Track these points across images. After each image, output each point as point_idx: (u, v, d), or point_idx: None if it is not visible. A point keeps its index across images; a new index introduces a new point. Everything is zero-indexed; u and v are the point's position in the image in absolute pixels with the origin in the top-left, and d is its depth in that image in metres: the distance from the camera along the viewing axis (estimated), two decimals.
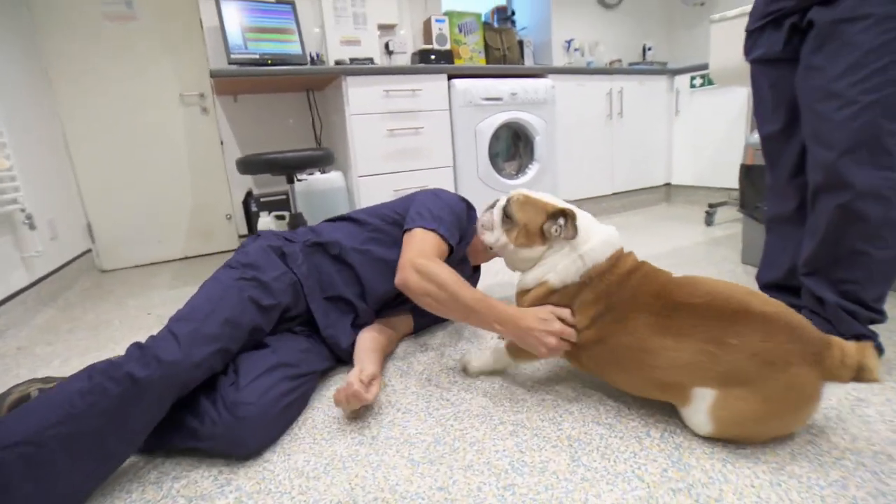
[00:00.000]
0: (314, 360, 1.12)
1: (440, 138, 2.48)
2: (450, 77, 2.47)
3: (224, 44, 2.30)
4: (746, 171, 1.86)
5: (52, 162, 2.48)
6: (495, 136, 2.59)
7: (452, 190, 2.59)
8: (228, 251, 3.05)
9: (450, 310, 1.03)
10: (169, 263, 2.92)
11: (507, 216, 1.03)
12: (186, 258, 3.01)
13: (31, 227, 2.02)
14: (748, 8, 1.73)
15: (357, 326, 1.25)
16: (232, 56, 2.30)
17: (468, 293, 1.00)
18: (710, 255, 2.12)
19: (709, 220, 2.71)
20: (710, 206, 2.71)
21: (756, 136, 1.82)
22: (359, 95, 2.27)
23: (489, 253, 1.39)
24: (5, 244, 1.92)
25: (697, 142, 3.21)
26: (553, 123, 2.73)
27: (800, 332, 0.75)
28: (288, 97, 2.70)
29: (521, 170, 2.77)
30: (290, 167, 1.86)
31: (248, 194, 2.58)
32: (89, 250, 2.81)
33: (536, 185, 2.73)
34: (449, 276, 1.02)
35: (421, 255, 1.08)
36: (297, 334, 1.15)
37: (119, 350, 1.25)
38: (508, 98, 2.54)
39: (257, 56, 2.36)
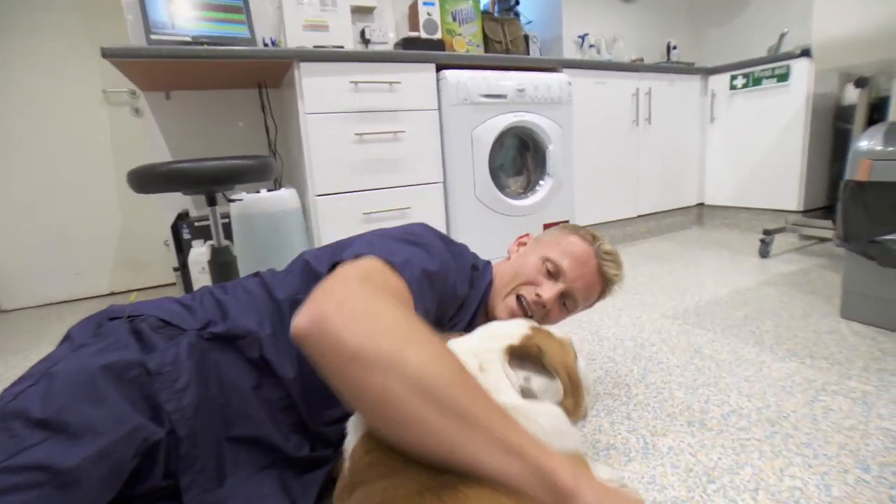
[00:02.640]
0: None
1: (426, 146, 1.93)
2: (439, 68, 1.93)
3: (143, 21, 1.76)
4: (856, 191, 1.30)
5: None
6: (498, 144, 2.04)
7: (442, 212, 2.03)
8: (167, 285, 2.47)
9: (402, 398, 0.43)
10: (89, 301, 2.34)
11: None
12: (113, 294, 2.43)
13: None
14: None
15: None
16: (153, 37, 1.76)
17: (455, 372, 0.46)
18: (789, 303, 1.55)
19: (764, 252, 2.15)
20: (766, 232, 2.15)
21: (870, 143, 1.27)
22: (317, 88, 1.72)
23: None
24: None
25: (737, 154, 2.66)
26: (570, 129, 2.18)
27: None
28: (236, 95, 2.15)
29: (529, 187, 2.21)
30: (201, 183, 1.30)
31: (181, 217, 2.01)
32: None
33: (550, 206, 2.18)
34: (408, 322, 0.49)
35: (352, 281, 0.55)
36: None
37: None
38: (514, 95, 2.00)
39: (189, 38, 1.82)
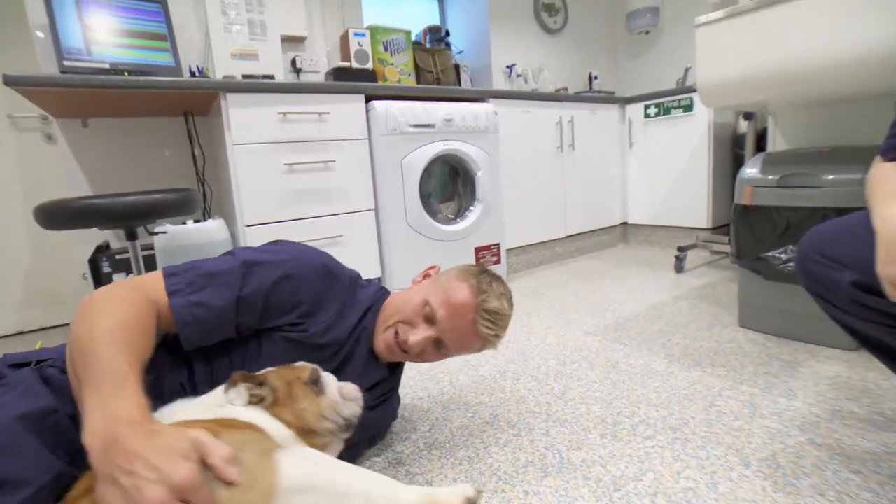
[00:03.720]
0: None
1: (357, 175, 1.96)
2: (368, 98, 1.97)
3: (55, 47, 1.68)
4: (743, 214, 1.46)
5: None
6: (428, 172, 2.10)
7: (375, 239, 2.05)
8: None
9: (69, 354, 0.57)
10: None
11: None
12: (23, 333, 2.24)
13: None
14: (741, 6, 1.39)
15: None
16: (66, 63, 1.68)
17: (107, 330, 0.56)
18: (697, 316, 1.70)
19: (679, 267, 2.34)
20: (680, 249, 2.34)
21: (751, 171, 1.43)
22: (245, 119, 1.71)
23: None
24: None
25: (654, 177, 2.89)
26: (497, 156, 2.28)
27: None
28: (161, 123, 2.09)
29: (460, 212, 2.29)
30: (119, 219, 1.25)
31: (100, 249, 1.91)
32: None
33: (480, 230, 2.26)
34: (105, 302, 0.61)
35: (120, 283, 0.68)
36: None
37: None
38: (442, 125, 2.07)
39: (107, 65, 1.76)
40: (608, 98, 2.96)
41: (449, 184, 2.33)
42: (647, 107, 2.84)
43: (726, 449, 0.92)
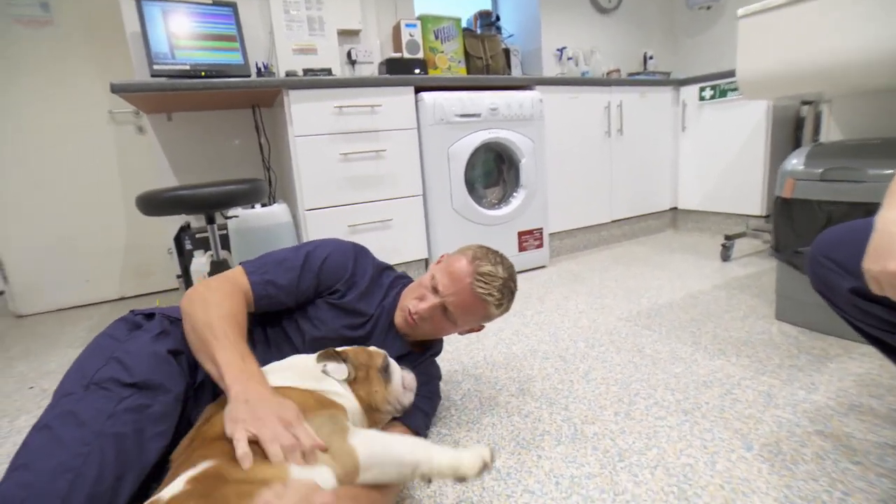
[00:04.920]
0: None
1: (406, 163, 2.09)
2: (417, 90, 2.09)
3: (146, 52, 1.92)
4: (783, 206, 1.46)
5: None
6: (474, 159, 2.20)
7: (422, 223, 2.19)
8: (171, 290, 2.65)
9: (193, 332, 0.79)
10: (100, 306, 2.51)
11: None
12: (123, 299, 2.60)
13: None
14: None
15: None
16: (155, 67, 1.92)
17: (218, 316, 0.78)
18: (733, 306, 1.71)
19: (725, 256, 2.31)
20: (728, 238, 2.31)
21: (794, 163, 1.42)
22: (305, 113, 1.88)
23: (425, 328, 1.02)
24: None
25: (707, 161, 2.81)
26: (542, 143, 2.34)
27: None
28: (232, 115, 2.32)
29: (504, 198, 2.37)
30: (201, 207, 1.47)
31: (183, 229, 2.18)
32: (1, 292, 2.41)
33: (524, 215, 2.34)
34: (208, 292, 0.83)
35: (213, 277, 0.90)
36: None
37: None
38: (488, 114, 2.16)
39: (188, 67, 1.98)
40: (659, 81, 2.90)
41: (494, 170, 2.42)
42: (702, 89, 2.75)
43: (732, 433, 0.99)
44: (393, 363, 0.90)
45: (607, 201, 2.77)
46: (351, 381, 0.81)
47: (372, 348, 0.91)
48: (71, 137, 2.39)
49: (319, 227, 1.97)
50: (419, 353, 1.09)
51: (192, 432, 0.70)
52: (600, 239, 2.85)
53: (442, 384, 1.29)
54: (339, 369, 0.81)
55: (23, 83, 2.28)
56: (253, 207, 1.94)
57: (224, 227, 1.99)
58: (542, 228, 2.41)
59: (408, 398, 0.90)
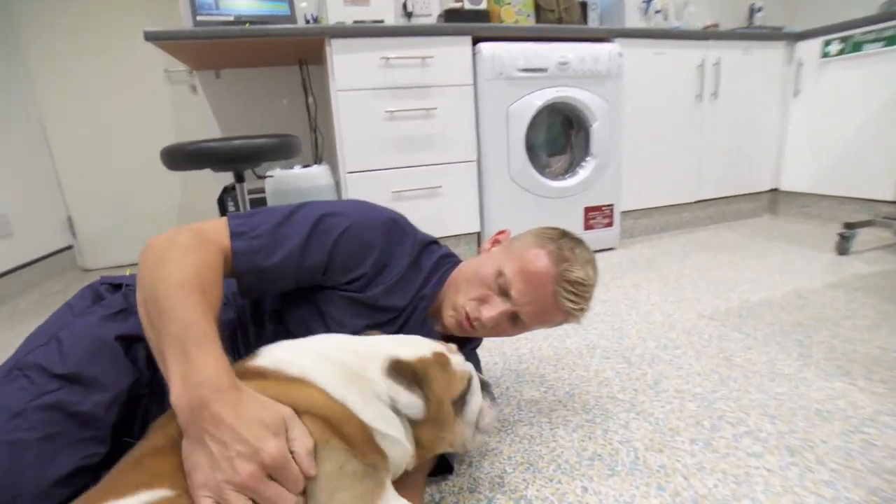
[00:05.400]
0: None
1: (459, 123, 1.87)
2: (475, 41, 1.84)
3: (190, 3, 1.82)
4: None
5: (23, 152, 2.19)
6: (539, 121, 1.93)
7: (475, 192, 1.97)
8: None
9: (142, 303, 0.55)
10: None
11: None
12: None
13: None
14: None
15: None
16: (198, 18, 1.82)
17: (179, 283, 0.54)
18: (857, 311, 1.35)
19: (843, 248, 1.88)
20: (848, 226, 1.88)
21: None
22: (348, 65, 1.70)
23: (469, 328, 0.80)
24: None
25: (824, 133, 2.33)
26: (618, 105, 2.01)
27: None
28: (278, 72, 2.20)
29: (570, 168, 2.09)
30: (225, 161, 1.34)
31: (227, 189, 2.12)
32: (70, 247, 2.50)
33: (592, 189, 2.04)
34: (170, 248, 0.58)
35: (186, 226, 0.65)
36: None
37: None
38: (556, 69, 1.87)
39: (231, 17, 1.87)
40: (770, 35, 2.42)
41: (560, 135, 2.13)
42: (826, 42, 2.26)
43: (868, 495, 0.71)
44: (475, 388, 0.64)
45: (693, 177, 2.39)
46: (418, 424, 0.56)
47: (454, 360, 0.62)
48: (129, 96, 2.40)
49: (361, 193, 1.81)
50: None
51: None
52: (682, 221, 2.48)
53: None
54: (414, 405, 0.54)
55: (83, 42, 2.30)
56: (293, 168, 1.82)
57: (261, 189, 1.88)
58: (612, 205, 2.11)
59: (477, 442, 0.64)
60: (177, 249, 0.58)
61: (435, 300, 0.84)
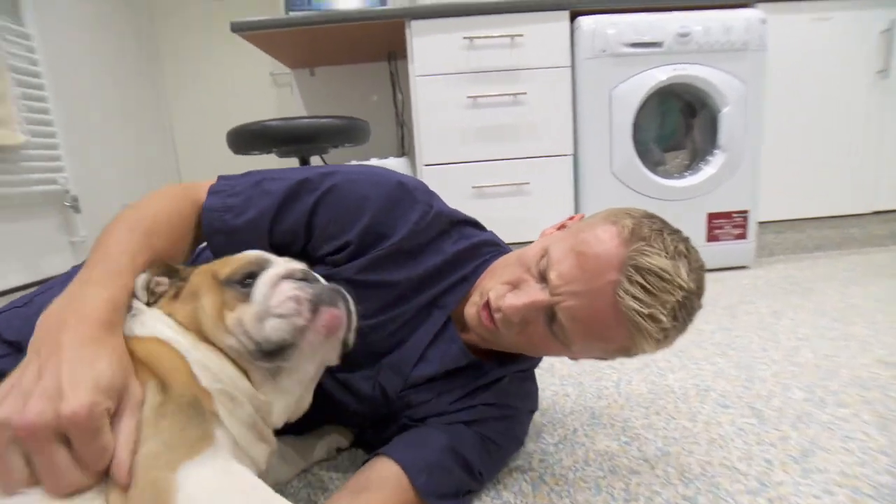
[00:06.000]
0: None
1: (554, 110, 1.63)
2: (574, 15, 1.59)
3: (285, 1, 1.86)
4: None
5: (157, 154, 2.42)
6: (648, 108, 1.61)
7: (570, 190, 1.69)
8: None
9: None
10: None
11: None
12: None
13: (76, 209, 1.86)
14: None
15: None
16: (290, 14, 1.84)
17: (126, 228, 0.50)
18: None
19: None
20: None
21: None
22: (428, 47, 1.57)
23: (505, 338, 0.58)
24: (49, 227, 1.77)
25: None
26: (759, 85, 1.60)
27: None
28: (369, 68, 2.16)
29: (693, 163, 1.71)
30: (289, 141, 1.28)
31: None
32: None
33: (718, 191, 1.65)
34: (150, 196, 0.55)
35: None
36: None
37: None
38: (674, 42, 1.54)
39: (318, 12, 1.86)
40: None
41: (678, 126, 1.77)
42: None
43: None
44: (273, 271, 0.48)
45: (868, 181, 1.83)
46: (170, 299, 0.48)
47: (246, 251, 0.52)
48: (244, 98, 2.55)
49: (439, 188, 1.63)
50: (492, 368, 0.66)
51: None
52: (847, 238, 1.92)
53: (538, 418, 0.83)
54: (139, 286, 0.47)
55: (203, 46, 2.50)
56: (368, 160, 1.73)
57: None
58: (747, 212, 1.68)
59: (268, 328, 0.44)
60: (154, 195, 0.56)
61: (464, 296, 0.63)
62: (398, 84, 2.10)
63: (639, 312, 0.48)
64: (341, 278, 0.56)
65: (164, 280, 0.48)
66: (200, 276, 0.49)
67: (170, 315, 0.45)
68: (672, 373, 0.98)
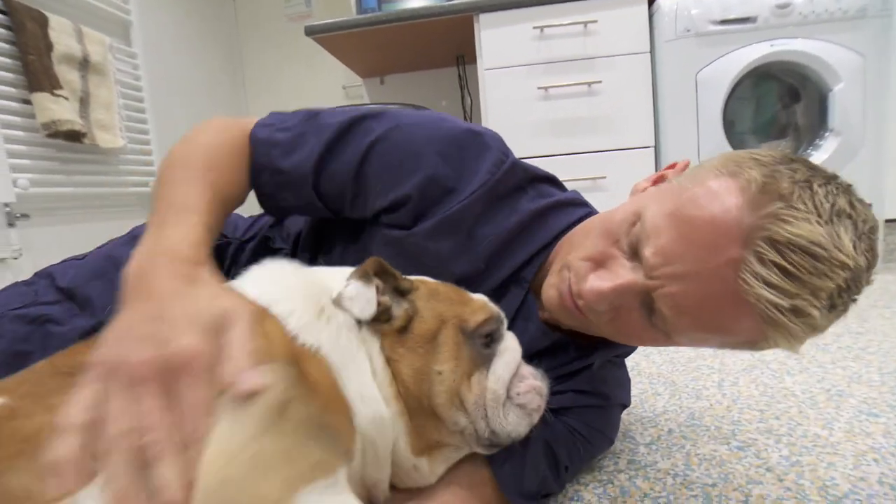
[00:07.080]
0: None
1: (632, 100, 1.51)
2: None
3: (356, 5, 1.91)
4: None
5: None
6: (740, 93, 1.45)
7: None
8: None
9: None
10: None
11: None
12: None
13: None
14: None
15: None
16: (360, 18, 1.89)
17: (187, 166, 0.47)
18: None
19: None
20: None
21: None
22: (497, 39, 1.53)
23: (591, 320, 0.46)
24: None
25: None
26: (883, 58, 1.39)
27: None
28: (438, 74, 2.17)
29: (797, 152, 1.51)
30: None
31: None
32: None
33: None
34: (203, 127, 0.52)
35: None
36: None
37: None
38: (771, 15, 1.38)
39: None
40: None
41: (778, 112, 1.58)
42: None
43: None
44: (509, 336, 0.44)
45: None
46: (391, 333, 0.38)
47: (477, 295, 0.45)
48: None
49: None
50: (578, 354, 0.55)
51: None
52: None
53: (624, 417, 0.71)
54: (360, 295, 0.37)
55: (288, 69, 2.65)
56: None
57: None
58: (869, 206, 1.44)
59: (512, 420, 0.39)
60: (205, 128, 0.52)
61: (544, 263, 0.53)
62: (467, 87, 2.08)
63: (776, 305, 0.34)
64: (410, 245, 0.49)
65: (386, 299, 0.39)
66: (438, 319, 0.39)
67: (389, 361, 0.37)
68: (790, 375, 0.82)
